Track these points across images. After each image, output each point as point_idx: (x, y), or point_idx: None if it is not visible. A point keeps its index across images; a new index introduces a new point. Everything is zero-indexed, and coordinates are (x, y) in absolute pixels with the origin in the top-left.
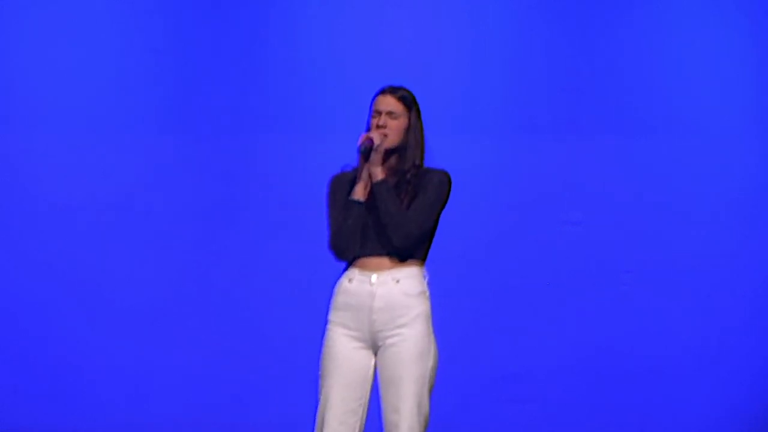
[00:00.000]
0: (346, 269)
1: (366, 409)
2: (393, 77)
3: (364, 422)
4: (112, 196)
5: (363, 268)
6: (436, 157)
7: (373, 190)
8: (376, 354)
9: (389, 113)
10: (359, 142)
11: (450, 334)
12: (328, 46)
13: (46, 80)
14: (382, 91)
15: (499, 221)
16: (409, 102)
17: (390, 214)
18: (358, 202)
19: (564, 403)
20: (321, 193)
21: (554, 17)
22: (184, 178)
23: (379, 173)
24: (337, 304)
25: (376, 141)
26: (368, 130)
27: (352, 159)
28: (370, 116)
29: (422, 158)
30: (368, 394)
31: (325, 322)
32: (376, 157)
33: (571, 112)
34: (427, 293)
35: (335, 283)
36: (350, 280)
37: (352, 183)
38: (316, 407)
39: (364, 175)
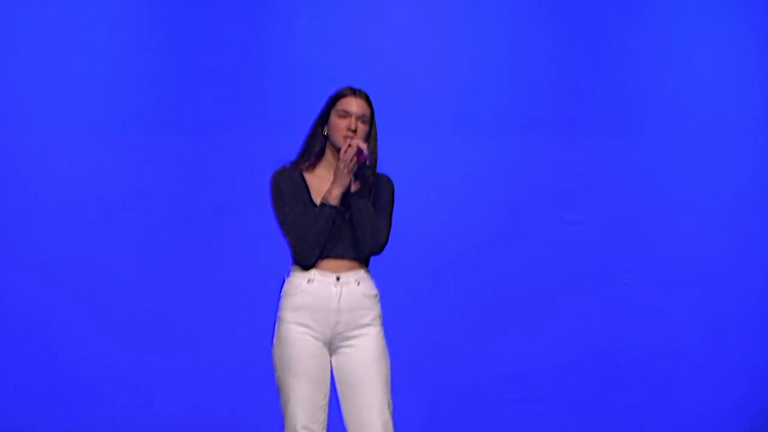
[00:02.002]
0: (301, 269)
1: (328, 408)
2: (393, 77)
3: (327, 421)
4: (111, 195)
5: (324, 269)
6: (436, 157)
7: (352, 200)
8: (331, 354)
9: (360, 117)
10: (348, 150)
11: (450, 334)
12: (327, 46)
13: (45, 80)
14: (351, 92)
15: (498, 221)
16: (372, 106)
17: (367, 224)
18: (333, 207)
19: (564, 403)
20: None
21: (554, 17)
22: (184, 178)
23: (355, 183)
24: (293, 304)
25: (366, 152)
26: (320, 125)
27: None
28: (327, 113)
29: (376, 164)
30: (329, 392)
31: (275, 320)
32: (353, 167)
33: (571, 112)
34: (379, 296)
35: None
36: (309, 281)
37: (302, 180)
38: (280, 408)
39: (343, 182)
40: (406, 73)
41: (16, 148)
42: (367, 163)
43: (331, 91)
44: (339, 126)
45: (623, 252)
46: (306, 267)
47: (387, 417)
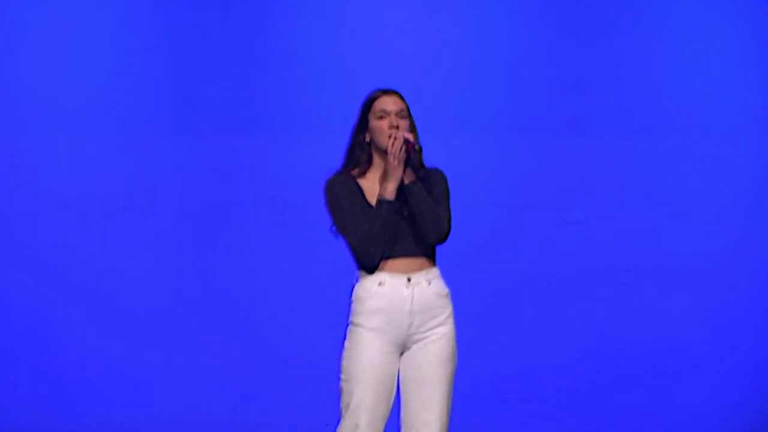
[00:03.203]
0: (365, 272)
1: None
2: (393, 77)
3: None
4: (111, 195)
5: (394, 270)
6: (436, 156)
7: (407, 190)
8: (401, 355)
9: (398, 112)
10: (394, 144)
11: None
12: (327, 46)
13: (45, 80)
14: (383, 93)
15: (499, 221)
16: (406, 100)
17: (428, 212)
18: (390, 202)
19: (564, 403)
20: (321, 192)
21: (554, 17)
22: (185, 178)
23: (409, 173)
24: (366, 309)
25: (412, 140)
26: (360, 132)
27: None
28: (366, 118)
29: (422, 158)
30: (393, 399)
31: (347, 324)
32: (403, 156)
33: (571, 112)
34: (450, 293)
35: (335, 283)
36: (380, 284)
37: (356, 184)
38: (339, 412)
39: (397, 175)
40: (406, 73)
41: (16, 148)
42: (416, 147)
43: (330, 91)
44: (381, 127)
45: (623, 252)
46: (371, 269)
47: (445, 419)
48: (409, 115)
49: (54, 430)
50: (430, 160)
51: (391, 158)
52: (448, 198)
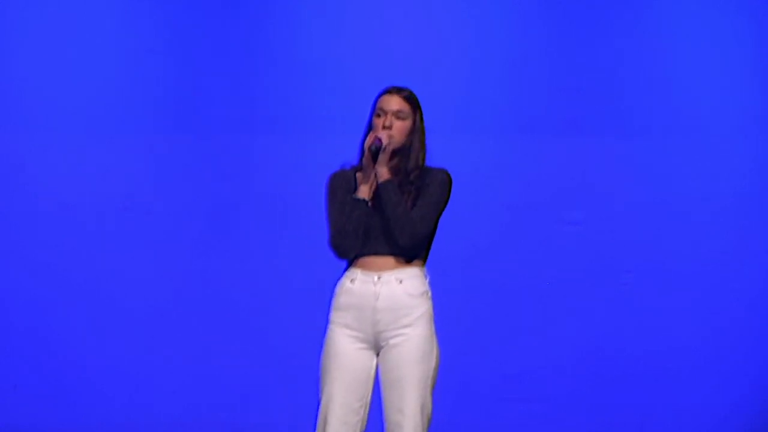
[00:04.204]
0: (346, 269)
1: (367, 410)
2: (393, 77)
3: (365, 422)
4: (111, 195)
5: (365, 268)
6: (436, 157)
7: (380, 189)
8: (378, 354)
9: (396, 113)
10: (367, 141)
11: (450, 334)
12: (328, 46)
13: (46, 80)
14: (388, 91)
15: (499, 221)
16: (415, 103)
17: (396, 214)
18: (363, 201)
19: (564, 403)
20: (321, 192)
21: (554, 17)
22: (185, 178)
23: (385, 173)
24: (338, 305)
25: (384, 141)
26: (369, 129)
27: (353, 158)
28: (373, 116)
29: (424, 159)
30: (370, 394)
31: (326, 322)
32: (383, 157)
33: (571, 112)
34: (430, 293)
35: (335, 283)
36: (352, 281)
37: (353, 181)
38: (318, 407)
39: (370, 174)
40: (406, 73)
41: (17, 148)
42: (377, 146)
43: (330, 91)
44: (376, 125)
45: (623, 252)
46: (348, 264)
47: (418, 420)
48: (414, 117)
49: (54, 430)
50: (429, 159)
51: (364, 157)
52: (441, 201)
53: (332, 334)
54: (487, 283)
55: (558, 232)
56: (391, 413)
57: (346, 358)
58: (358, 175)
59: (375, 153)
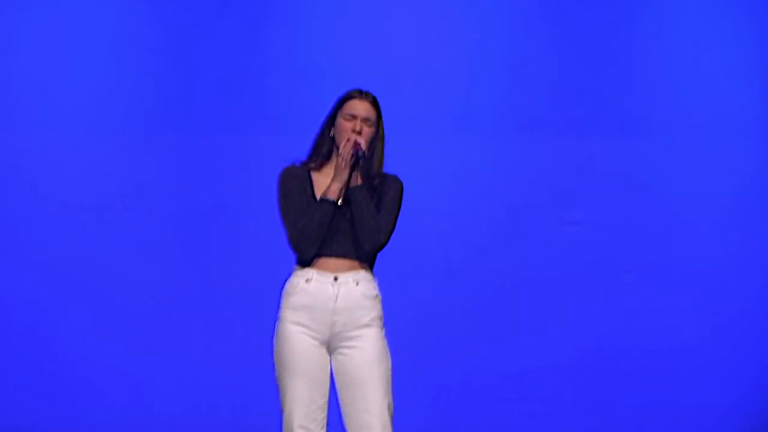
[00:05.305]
0: (298, 269)
1: (327, 407)
2: (393, 77)
3: (327, 419)
4: (111, 195)
5: (321, 268)
6: (436, 156)
7: (351, 194)
8: (330, 354)
9: (365, 120)
10: (347, 146)
11: (450, 334)
12: (327, 46)
13: (46, 80)
14: (359, 95)
15: (499, 221)
16: (379, 109)
17: (366, 219)
18: (333, 202)
19: (564, 403)
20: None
21: (554, 17)
22: (185, 178)
23: (358, 178)
24: (292, 304)
25: (363, 147)
26: (329, 127)
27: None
28: (336, 115)
29: (382, 165)
30: (329, 392)
31: (275, 319)
32: (362, 163)
33: (571, 112)
34: (380, 297)
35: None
36: (308, 281)
37: (307, 179)
38: (280, 406)
39: (344, 177)
40: (406, 73)
41: (16, 148)
42: (360, 153)
43: (330, 91)
44: (344, 128)
45: (624, 252)
46: (305, 265)
47: (386, 419)
48: (378, 124)
49: (54, 430)
50: (429, 159)
51: (339, 159)
52: (398, 208)
53: (288, 333)
54: (487, 283)
55: (558, 232)
56: (355, 414)
57: (307, 356)
58: (314, 174)
59: (357, 159)
